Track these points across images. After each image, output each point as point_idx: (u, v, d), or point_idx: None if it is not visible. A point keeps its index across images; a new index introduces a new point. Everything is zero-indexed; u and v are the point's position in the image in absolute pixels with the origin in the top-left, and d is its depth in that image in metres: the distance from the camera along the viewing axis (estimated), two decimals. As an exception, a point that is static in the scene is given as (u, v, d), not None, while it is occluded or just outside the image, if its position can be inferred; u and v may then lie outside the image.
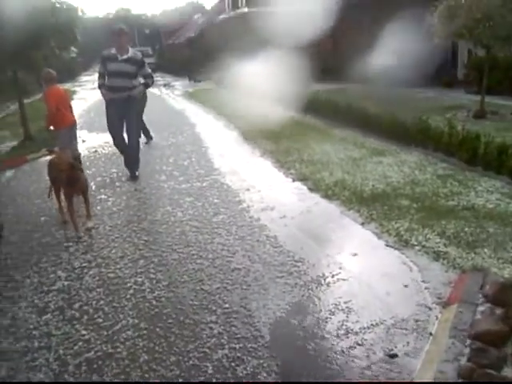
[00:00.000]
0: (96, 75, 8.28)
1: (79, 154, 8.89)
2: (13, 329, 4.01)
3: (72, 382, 3.52)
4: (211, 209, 6.37)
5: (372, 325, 3.67)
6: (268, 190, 7.07)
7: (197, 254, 5.03)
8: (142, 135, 10.48)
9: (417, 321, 3.68)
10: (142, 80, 8.14)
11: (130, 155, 8.15)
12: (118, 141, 8.14)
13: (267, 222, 5.84)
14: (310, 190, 6.94)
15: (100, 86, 8.02)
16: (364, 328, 3.65)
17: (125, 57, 7.71)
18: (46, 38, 11.25)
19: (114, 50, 7.76)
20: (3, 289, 4.71)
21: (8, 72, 12.52)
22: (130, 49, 7.88)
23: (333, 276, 4.45)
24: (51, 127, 8.47)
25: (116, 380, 3.31)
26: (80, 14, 12.53)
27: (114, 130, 8.04)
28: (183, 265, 4.84)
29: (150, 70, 8.21)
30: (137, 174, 8.11)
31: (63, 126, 8.24)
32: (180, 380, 3.26)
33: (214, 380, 3.24)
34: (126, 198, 7.23)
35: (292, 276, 4.50)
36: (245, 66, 18.04)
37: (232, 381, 3.25)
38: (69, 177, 5.75)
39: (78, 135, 9.10)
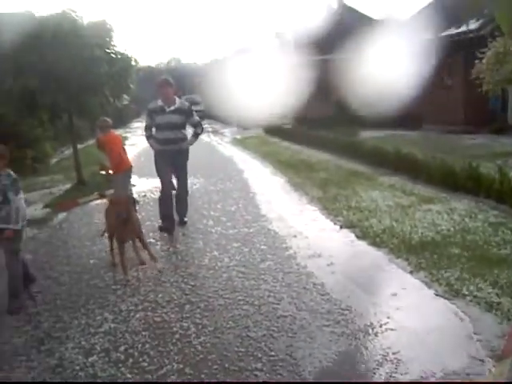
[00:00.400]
0: (146, 122, 8.37)
1: (134, 199, 9.07)
2: (59, 369, 4.07)
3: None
4: (258, 255, 6.37)
5: (422, 377, 3.56)
6: (315, 237, 7.03)
7: (243, 300, 5.02)
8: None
9: (468, 374, 3.55)
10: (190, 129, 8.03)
11: (180, 202, 7.98)
12: (165, 190, 7.85)
13: (314, 269, 5.79)
14: (358, 237, 6.88)
15: (148, 138, 7.88)
16: (413, 380, 3.54)
17: (172, 108, 7.54)
18: (101, 85, 11.68)
19: (160, 102, 7.62)
20: (52, 329, 4.81)
21: (64, 118, 13.02)
22: (177, 99, 7.75)
23: (381, 326, 4.36)
24: (103, 171, 8.75)
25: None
26: (133, 63, 12.94)
27: (165, 179, 7.85)
28: (229, 311, 4.83)
29: (198, 119, 8.03)
30: (185, 219, 8.07)
31: (121, 170, 8.48)
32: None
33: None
34: (174, 242, 7.30)
35: (339, 324, 4.43)
36: (290, 113, 18.31)
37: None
38: (125, 212, 5.94)
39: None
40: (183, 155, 7.81)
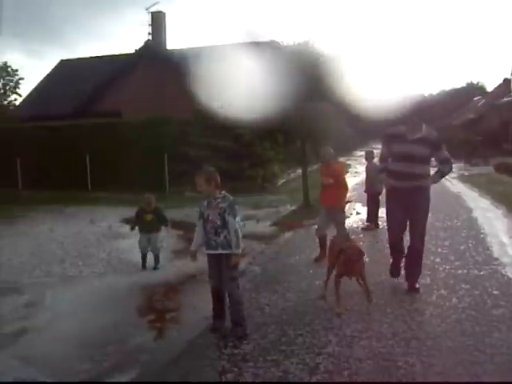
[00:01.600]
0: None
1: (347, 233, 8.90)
2: (284, 382, 4.20)
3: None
4: (490, 300, 5.94)
5: None
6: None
7: (473, 346, 4.70)
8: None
9: None
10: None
11: (412, 254, 6.45)
12: (393, 237, 6.54)
13: (558, 325, 5.23)
14: None
15: (382, 170, 6.76)
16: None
17: (417, 136, 6.13)
18: (338, 113, 12.07)
19: (402, 128, 6.32)
20: (277, 342, 5.00)
21: (297, 143, 13.70)
22: (424, 126, 6.24)
23: None
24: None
25: None
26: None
27: (395, 226, 6.48)
28: (457, 354, 4.57)
29: (447, 154, 6.37)
30: (417, 286, 6.42)
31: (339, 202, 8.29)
32: None
33: None
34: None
35: None
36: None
37: None
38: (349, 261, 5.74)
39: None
40: (421, 196, 6.30)
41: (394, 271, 6.74)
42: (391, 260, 6.77)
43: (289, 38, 13.43)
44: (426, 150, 6.16)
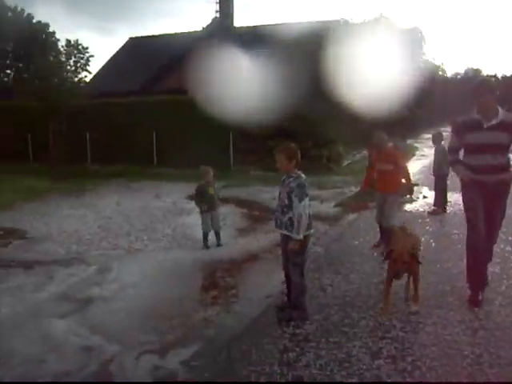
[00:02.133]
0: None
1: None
2: (346, 364, 4.18)
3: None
4: None
5: None
6: None
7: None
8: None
9: None
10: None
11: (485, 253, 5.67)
12: (477, 235, 5.43)
13: None
14: None
15: (454, 163, 5.82)
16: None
17: (493, 122, 5.28)
18: (406, 95, 11.80)
19: (476, 115, 5.42)
20: (340, 323, 4.99)
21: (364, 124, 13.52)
22: (500, 110, 5.36)
23: None
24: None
25: None
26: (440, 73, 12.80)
27: (477, 220, 5.44)
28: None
29: None
30: (487, 279, 5.85)
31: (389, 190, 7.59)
32: None
33: None
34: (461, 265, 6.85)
35: None
36: None
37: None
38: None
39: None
40: (504, 190, 5.53)
41: (474, 291, 5.51)
42: (468, 267, 5.63)
43: (359, 15, 13.21)
44: (506, 137, 5.32)
